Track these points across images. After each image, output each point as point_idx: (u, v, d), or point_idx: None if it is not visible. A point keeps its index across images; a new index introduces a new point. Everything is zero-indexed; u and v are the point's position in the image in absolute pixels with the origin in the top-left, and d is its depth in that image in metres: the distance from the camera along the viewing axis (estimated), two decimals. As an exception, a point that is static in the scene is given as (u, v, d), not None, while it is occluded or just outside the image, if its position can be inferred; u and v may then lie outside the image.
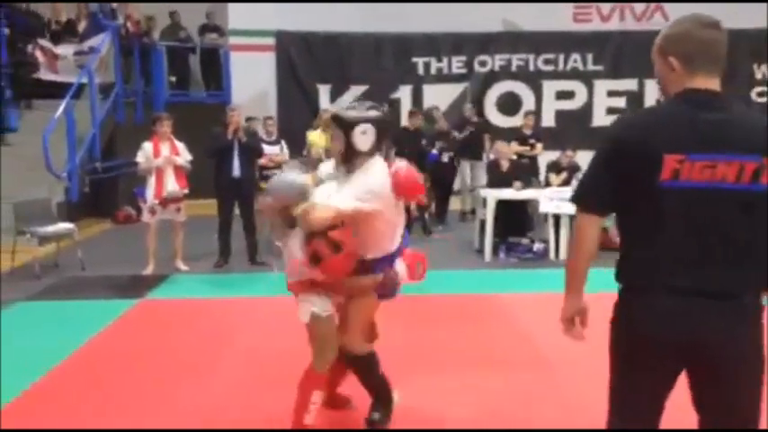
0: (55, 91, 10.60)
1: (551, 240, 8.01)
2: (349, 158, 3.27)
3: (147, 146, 7.28)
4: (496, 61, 12.92)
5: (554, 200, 7.88)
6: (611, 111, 12.59)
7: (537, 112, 12.14)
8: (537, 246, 8.13)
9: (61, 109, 9.72)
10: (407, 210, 4.62)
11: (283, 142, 8.51)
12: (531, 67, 12.94)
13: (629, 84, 12.71)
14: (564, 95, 12.91)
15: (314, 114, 10.56)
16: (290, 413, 3.42)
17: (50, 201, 8.52)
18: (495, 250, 8.09)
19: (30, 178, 9.24)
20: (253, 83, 12.27)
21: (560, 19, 12.78)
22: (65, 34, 12.05)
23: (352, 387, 3.75)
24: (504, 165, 8.70)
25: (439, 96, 12.28)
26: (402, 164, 3.39)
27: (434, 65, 12.89)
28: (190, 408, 3.96)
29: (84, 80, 10.60)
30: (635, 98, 12.70)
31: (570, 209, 7.36)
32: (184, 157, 7.42)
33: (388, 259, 3.37)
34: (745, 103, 11.83)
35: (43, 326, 5.67)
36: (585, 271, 2.18)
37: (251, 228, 7.64)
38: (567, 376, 4.29)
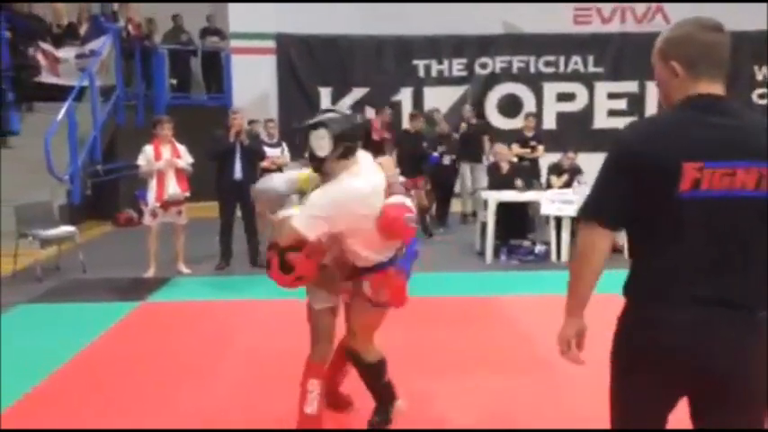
0: (56, 94, 10.61)
1: (553, 242, 8.01)
2: (316, 166, 3.23)
3: (149, 149, 7.29)
4: (497, 63, 12.94)
5: (555, 202, 7.89)
6: (611, 113, 12.64)
7: (538, 114, 12.13)
8: (538, 248, 8.12)
9: (63, 112, 9.73)
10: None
11: (285, 145, 8.49)
12: (532, 69, 12.96)
13: (630, 86, 12.72)
14: (565, 97, 12.93)
15: (315, 117, 10.56)
16: (292, 415, 3.42)
17: (52, 203, 8.52)
18: (497, 252, 8.08)
19: (31, 181, 9.24)
20: (254, 85, 12.29)
21: (561, 21, 12.77)
22: (66, 37, 12.07)
23: (351, 388, 3.76)
24: (504, 167, 8.69)
25: (440, 99, 12.29)
26: (395, 200, 3.22)
27: (435, 67, 12.91)
28: (191, 410, 3.96)
29: (86, 83, 10.62)
30: (636, 100, 12.73)
31: (572, 211, 7.40)
32: (186, 159, 7.42)
33: (377, 269, 3.31)
34: (747, 105, 11.86)
35: (45, 328, 5.67)
36: (591, 291, 2.07)
37: (252, 230, 7.65)
38: (567, 379, 4.27)
